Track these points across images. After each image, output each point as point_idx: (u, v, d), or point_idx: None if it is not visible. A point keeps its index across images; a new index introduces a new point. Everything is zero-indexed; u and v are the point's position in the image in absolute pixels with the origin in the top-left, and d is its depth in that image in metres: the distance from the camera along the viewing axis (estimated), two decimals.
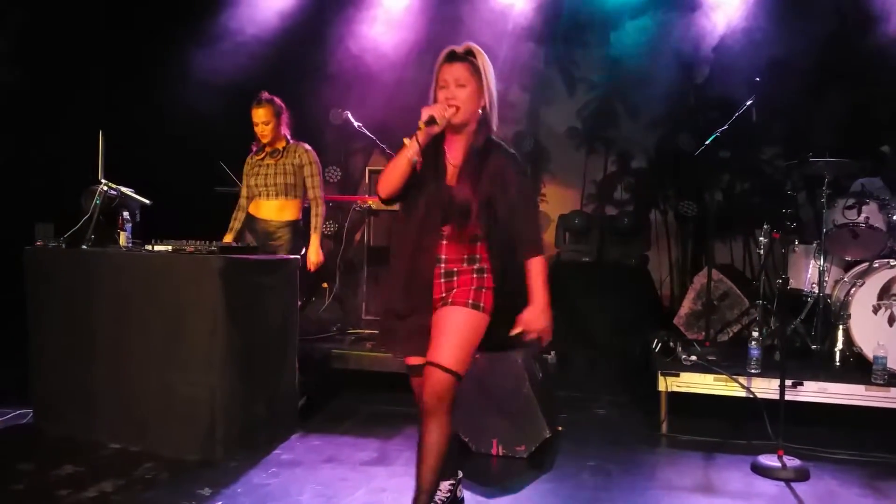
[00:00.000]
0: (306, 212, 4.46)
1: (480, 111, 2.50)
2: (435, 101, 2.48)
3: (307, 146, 4.34)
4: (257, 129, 4.22)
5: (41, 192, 5.64)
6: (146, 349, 3.41)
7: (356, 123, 4.97)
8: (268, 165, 4.28)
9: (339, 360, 4.44)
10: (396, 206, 2.58)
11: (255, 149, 4.34)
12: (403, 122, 7.03)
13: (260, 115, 4.20)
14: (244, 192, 4.40)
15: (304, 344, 4.25)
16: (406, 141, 2.41)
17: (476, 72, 2.46)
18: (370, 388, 4.58)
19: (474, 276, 2.50)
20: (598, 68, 6.76)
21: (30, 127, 6.05)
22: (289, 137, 4.33)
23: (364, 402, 4.41)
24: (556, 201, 6.82)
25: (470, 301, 2.46)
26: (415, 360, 2.53)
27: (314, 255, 4.30)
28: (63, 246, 3.73)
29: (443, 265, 2.49)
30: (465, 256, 2.50)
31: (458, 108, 2.43)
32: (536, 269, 2.49)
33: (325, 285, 5.68)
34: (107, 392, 3.50)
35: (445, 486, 2.75)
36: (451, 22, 6.77)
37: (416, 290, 2.49)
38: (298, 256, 3.94)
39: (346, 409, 4.26)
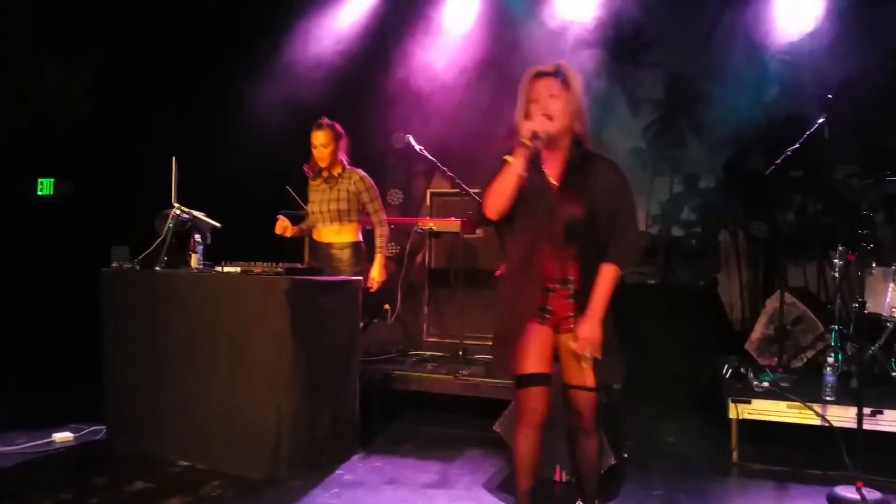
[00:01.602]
0: (367, 234, 4.53)
1: (572, 127, 2.55)
2: (527, 116, 2.51)
3: (362, 172, 4.39)
4: (315, 152, 4.30)
5: (118, 216, 5.90)
6: (214, 368, 3.51)
7: (418, 147, 5.02)
8: (322, 191, 4.35)
9: (400, 381, 4.46)
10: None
11: (310, 173, 4.39)
12: (464, 145, 7.15)
13: (319, 137, 4.28)
14: (309, 212, 4.47)
15: (365, 365, 4.30)
16: (508, 158, 2.45)
17: (566, 86, 2.52)
18: (431, 410, 4.58)
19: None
20: (662, 87, 6.66)
21: (108, 154, 6.36)
22: (345, 163, 4.40)
23: (425, 424, 4.42)
24: None
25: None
26: (526, 370, 2.59)
27: (377, 274, 4.35)
28: (137, 268, 3.89)
29: (570, 285, 2.58)
30: (560, 277, 2.58)
31: (553, 118, 2.48)
32: (605, 277, 2.54)
33: (386, 307, 5.73)
34: (176, 410, 3.61)
35: None
36: (510, 44, 6.81)
37: (529, 308, 2.56)
38: (360, 278, 3.98)
39: (407, 431, 4.28)
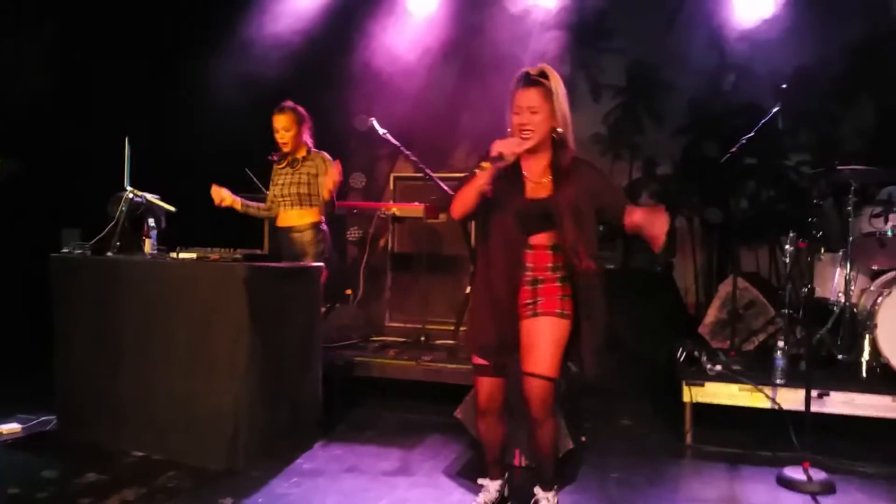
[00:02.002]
0: (331, 218, 4.49)
1: (554, 132, 2.67)
2: (510, 125, 2.66)
3: (327, 155, 4.34)
4: (277, 136, 4.24)
5: (68, 198, 5.74)
6: (170, 357, 3.46)
7: (381, 131, 4.96)
8: (285, 174, 4.30)
9: (362, 367, 4.45)
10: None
11: (275, 157, 4.36)
12: (428, 127, 7.11)
13: (281, 121, 4.22)
14: (269, 197, 4.43)
15: (327, 351, 4.28)
16: (478, 170, 2.59)
17: (549, 95, 2.63)
18: (393, 397, 4.60)
19: (558, 283, 2.71)
20: (623, 75, 6.72)
21: (57, 132, 6.17)
22: (310, 146, 4.34)
23: (387, 411, 4.43)
24: None
25: (558, 311, 2.69)
26: (484, 361, 2.76)
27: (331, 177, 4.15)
28: (88, 253, 3.80)
29: (529, 273, 2.70)
30: (549, 265, 2.71)
31: (532, 134, 2.62)
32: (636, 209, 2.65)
33: (348, 292, 5.71)
34: (130, 400, 3.54)
35: (494, 484, 2.99)
36: (475, 28, 6.79)
37: (503, 298, 2.70)
38: (321, 264, 3.95)
39: (369, 418, 4.28)
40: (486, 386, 2.79)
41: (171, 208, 3.98)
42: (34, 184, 6.56)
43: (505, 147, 2.58)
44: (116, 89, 6.00)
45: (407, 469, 3.48)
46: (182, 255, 3.59)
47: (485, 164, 2.57)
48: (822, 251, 4.58)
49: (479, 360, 2.78)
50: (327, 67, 6.75)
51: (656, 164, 6.75)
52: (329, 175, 4.14)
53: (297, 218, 4.27)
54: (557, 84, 2.66)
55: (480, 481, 3.05)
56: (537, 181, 2.71)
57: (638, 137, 6.75)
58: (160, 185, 4.21)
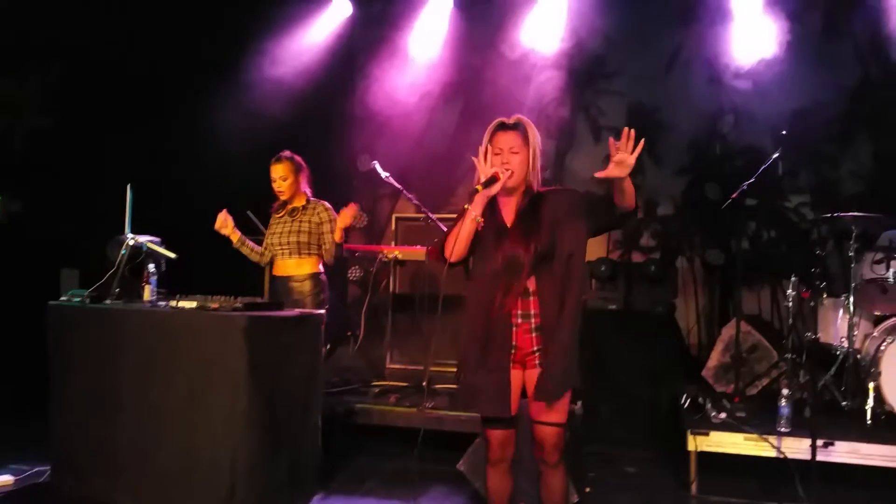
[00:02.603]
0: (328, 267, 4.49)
1: (527, 178, 2.71)
2: (488, 163, 2.67)
3: (327, 204, 4.34)
4: (274, 185, 4.24)
5: (69, 239, 5.76)
6: (168, 408, 3.42)
7: (384, 174, 5.00)
8: (284, 223, 4.29)
9: (362, 414, 4.42)
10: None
11: (275, 206, 4.36)
12: (429, 168, 7.14)
13: (278, 170, 4.22)
14: (264, 244, 4.41)
15: (327, 397, 4.25)
16: (467, 206, 2.62)
17: (526, 141, 2.68)
18: (394, 444, 4.54)
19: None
20: (623, 116, 6.78)
21: (58, 173, 6.21)
22: (310, 195, 4.35)
23: (388, 459, 4.38)
24: None
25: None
26: (494, 413, 2.71)
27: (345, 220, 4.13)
28: (87, 301, 3.78)
29: (532, 320, 2.67)
30: (520, 312, 2.67)
31: (513, 173, 2.65)
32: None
33: (348, 333, 5.69)
34: (127, 451, 3.49)
35: None
36: (476, 70, 6.88)
37: (495, 347, 2.67)
38: (322, 311, 3.94)
39: (369, 467, 4.23)
40: (498, 437, 2.77)
41: (173, 255, 3.97)
42: (33, 223, 6.59)
43: (494, 169, 2.61)
44: (121, 131, 6.06)
45: None
46: (182, 304, 3.58)
47: (478, 187, 2.59)
48: (825, 296, 4.57)
49: (485, 414, 2.76)
50: (330, 109, 6.83)
51: (657, 205, 6.76)
52: (342, 215, 4.13)
53: (295, 267, 4.27)
54: (533, 131, 2.73)
55: None
56: (513, 225, 2.72)
57: (639, 178, 6.76)
58: (160, 229, 4.21)
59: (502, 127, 2.72)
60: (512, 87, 6.77)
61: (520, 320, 2.68)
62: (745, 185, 4.54)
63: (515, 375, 2.71)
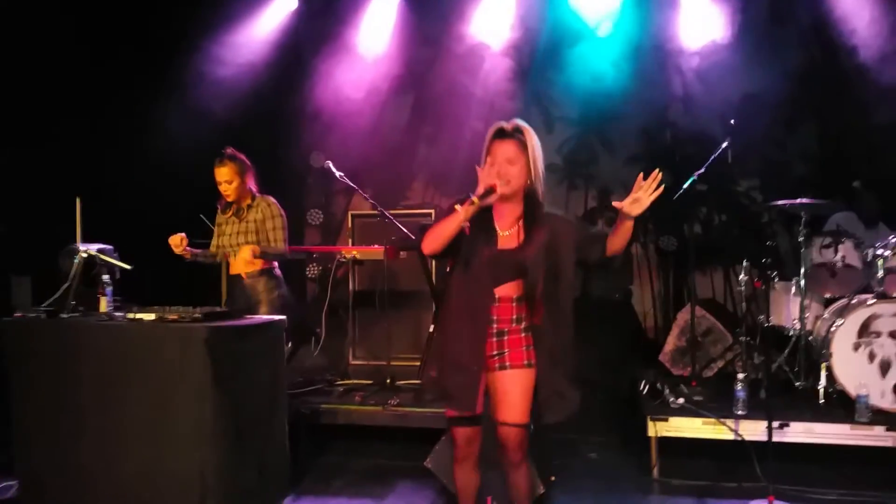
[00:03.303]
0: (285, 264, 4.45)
1: (528, 183, 2.71)
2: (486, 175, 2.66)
3: (272, 199, 4.30)
4: (221, 189, 4.18)
5: (18, 245, 5.57)
6: (133, 421, 3.36)
7: (337, 173, 4.97)
8: (232, 223, 4.26)
9: (327, 415, 4.40)
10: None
11: (220, 206, 4.30)
12: (383, 163, 7.11)
13: (223, 174, 4.14)
14: (213, 245, 4.38)
15: (292, 398, 4.24)
16: (457, 207, 2.62)
17: (524, 148, 2.68)
18: (361, 442, 4.55)
19: (522, 335, 2.76)
20: (575, 106, 6.85)
21: (5, 177, 6.01)
22: (255, 193, 4.29)
23: (355, 457, 4.39)
24: None
25: (525, 361, 2.74)
26: (459, 413, 2.79)
27: (247, 253, 4.11)
28: (43, 316, 3.68)
29: (495, 325, 2.74)
30: (514, 317, 2.74)
31: (508, 185, 2.65)
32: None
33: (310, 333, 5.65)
34: (94, 465, 3.42)
35: None
36: (426, 63, 6.86)
37: (470, 348, 2.73)
38: (284, 317, 3.91)
39: (337, 467, 4.23)
40: (463, 435, 2.83)
41: (126, 266, 3.88)
42: None
43: (492, 181, 2.60)
44: (66, 129, 5.86)
45: None
46: (140, 316, 3.51)
47: (475, 199, 2.58)
48: (776, 280, 4.71)
49: (452, 413, 2.81)
50: (278, 106, 6.74)
51: (611, 193, 6.85)
52: (276, 229, 4.17)
53: (245, 266, 4.24)
54: (532, 138, 2.72)
55: None
56: (508, 232, 2.75)
57: (592, 167, 6.87)
58: (110, 238, 4.11)
59: (500, 135, 2.71)
60: (463, 79, 6.76)
61: (513, 325, 2.75)
62: (696, 174, 4.64)
63: (486, 377, 2.78)
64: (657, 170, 2.53)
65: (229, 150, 4.19)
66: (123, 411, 3.38)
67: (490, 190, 2.59)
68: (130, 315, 3.52)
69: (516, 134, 2.70)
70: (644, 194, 2.55)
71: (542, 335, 2.74)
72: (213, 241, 4.40)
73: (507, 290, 2.73)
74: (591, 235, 2.81)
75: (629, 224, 2.62)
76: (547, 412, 2.75)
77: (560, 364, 2.77)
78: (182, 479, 3.28)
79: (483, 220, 2.71)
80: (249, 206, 4.24)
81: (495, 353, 2.76)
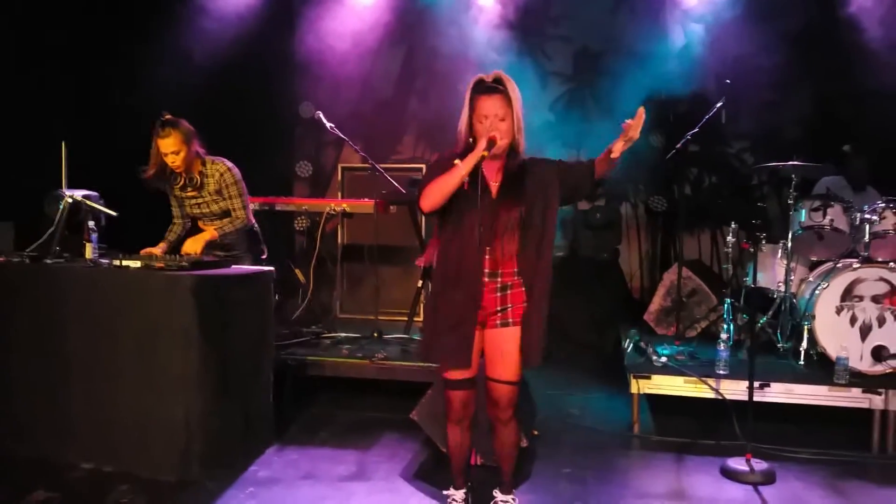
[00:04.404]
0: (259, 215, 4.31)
1: (513, 139, 2.69)
2: (471, 129, 2.68)
3: (226, 164, 3.99)
4: (167, 160, 3.82)
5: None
6: (118, 367, 3.38)
7: (328, 124, 4.90)
8: (192, 196, 4.00)
9: (314, 366, 4.42)
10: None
11: (148, 172, 3.92)
12: (373, 114, 7.02)
13: (168, 144, 3.77)
14: (176, 214, 4.14)
15: (279, 350, 4.25)
16: (457, 162, 2.62)
17: (509, 102, 2.64)
18: (347, 394, 4.59)
19: (522, 288, 2.75)
20: (569, 62, 6.76)
21: None
22: (203, 157, 3.96)
23: (340, 409, 4.43)
24: None
25: (521, 318, 2.74)
26: (457, 375, 2.78)
27: (193, 245, 3.89)
28: (27, 261, 3.65)
29: (498, 279, 2.73)
30: (515, 270, 2.74)
31: (502, 139, 2.64)
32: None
33: (301, 278, 5.62)
34: (78, 411, 3.45)
35: (460, 494, 3.03)
36: (418, 14, 6.72)
37: (463, 302, 2.71)
38: (273, 269, 3.89)
39: (322, 418, 4.26)
40: (459, 398, 2.82)
41: (112, 213, 3.83)
42: None
43: (492, 133, 2.59)
44: (49, 75, 5.74)
45: (364, 473, 3.49)
46: (126, 263, 3.48)
47: (484, 153, 2.56)
48: (764, 241, 4.73)
49: (450, 375, 2.79)
50: (268, 54, 6.60)
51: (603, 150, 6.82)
52: (234, 197, 3.96)
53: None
54: (515, 90, 2.67)
55: (446, 492, 3.05)
56: (496, 184, 2.73)
57: (584, 125, 6.80)
58: (95, 183, 4.04)
59: (483, 90, 2.65)
60: (456, 31, 6.64)
61: (486, 279, 2.72)
62: (688, 135, 4.63)
63: (476, 335, 2.76)
64: (641, 107, 2.51)
65: (168, 116, 3.81)
66: (109, 357, 3.39)
67: (492, 142, 2.58)
68: (116, 262, 3.49)
69: (500, 88, 2.65)
70: (635, 133, 2.53)
71: (529, 280, 2.74)
72: (176, 213, 4.14)
73: (505, 242, 2.70)
74: (573, 167, 2.78)
75: (616, 156, 2.60)
76: (531, 357, 2.74)
77: (541, 309, 2.75)
78: (167, 426, 3.31)
79: (475, 177, 2.66)
80: (202, 175, 3.94)
81: (498, 308, 2.74)
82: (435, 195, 2.64)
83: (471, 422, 2.90)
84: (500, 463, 3.00)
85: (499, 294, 2.74)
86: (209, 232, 3.99)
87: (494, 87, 2.65)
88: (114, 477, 3.30)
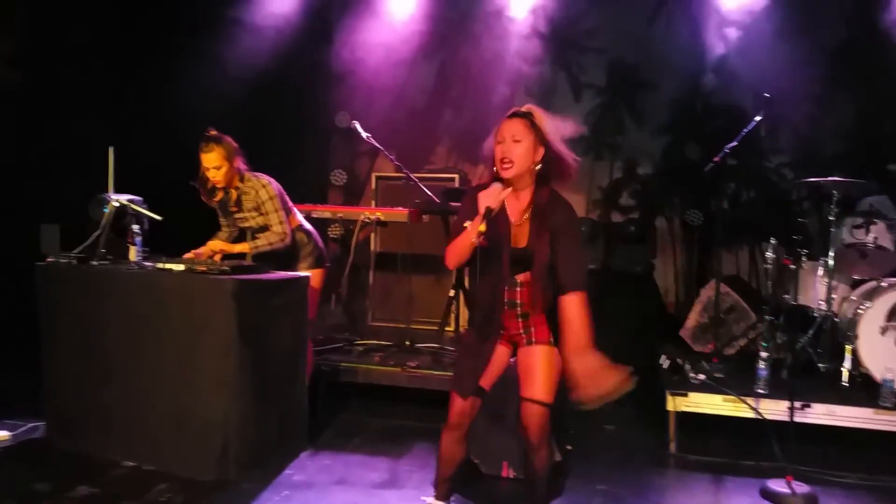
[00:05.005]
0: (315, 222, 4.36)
1: (538, 166, 2.66)
2: (492, 154, 2.68)
3: (263, 180, 3.96)
4: (209, 175, 3.86)
5: (47, 193, 5.62)
6: (159, 369, 3.43)
7: (364, 133, 4.93)
8: (234, 212, 4.02)
9: (347, 373, 4.45)
10: None
11: (204, 192, 3.99)
12: (408, 125, 7.06)
13: (211, 160, 3.82)
14: (223, 221, 4.16)
15: (312, 356, 4.26)
16: (466, 225, 2.61)
17: (532, 128, 2.63)
18: (379, 401, 4.59)
19: (545, 314, 2.72)
20: (603, 74, 6.74)
21: (33, 127, 6.02)
22: (243, 174, 3.96)
23: (372, 416, 4.43)
24: None
25: (549, 339, 2.73)
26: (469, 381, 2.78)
27: (220, 245, 3.94)
28: (74, 262, 3.73)
29: (518, 308, 2.74)
30: (533, 302, 2.72)
31: (511, 165, 2.62)
32: (578, 307, 2.61)
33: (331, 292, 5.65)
34: (121, 410, 3.51)
35: None
36: (454, 25, 6.76)
37: (488, 332, 2.76)
38: (308, 274, 3.92)
39: (356, 424, 4.27)
40: (458, 405, 2.78)
41: (157, 217, 3.90)
42: (11, 179, 6.40)
43: (490, 200, 2.58)
44: (96, 86, 5.87)
45: (396, 481, 3.49)
46: (169, 266, 3.53)
47: (481, 228, 2.55)
48: (804, 259, 4.65)
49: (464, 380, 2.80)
50: (306, 64, 6.68)
51: (637, 164, 6.76)
52: (270, 213, 3.94)
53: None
54: (542, 119, 2.66)
55: (424, 498, 3.04)
56: (519, 223, 2.72)
57: (618, 137, 6.77)
58: (139, 188, 4.11)
59: (511, 116, 2.68)
60: (491, 42, 6.67)
61: (507, 308, 2.75)
62: (727, 148, 4.57)
63: (502, 351, 2.81)
64: None
65: (213, 132, 3.86)
66: (149, 358, 3.44)
67: (489, 210, 2.56)
68: (160, 265, 3.55)
69: (524, 113, 2.67)
70: None
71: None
72: (223, 221, 4.17)
73: (525, 278, 2.72)
74: (569, 259, 2.67)
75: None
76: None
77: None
78: (205, 428, 3.34)
79: (497, 214, 2.65)
80: (240, 191, 3.94)
81: (521, 331, 2.77)
82: (455, 256, 2.67)
83: (465, 436, 2.85)
84: (528, 486, 2.94)
85: (521, 321, 2.76)
86: (244, 246, 3.95)
87: (518, 112, 2.68)
88: (153, 475, 3.34)
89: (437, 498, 2.95)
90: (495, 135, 2.69)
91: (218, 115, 5.57)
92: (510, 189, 2.65)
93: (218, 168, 3.85)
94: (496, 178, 2.68)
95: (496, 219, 2.65)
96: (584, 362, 2.56)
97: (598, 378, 2.54)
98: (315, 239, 4.24)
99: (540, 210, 2.70)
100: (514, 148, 2.62)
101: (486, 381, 2.80)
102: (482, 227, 2.55)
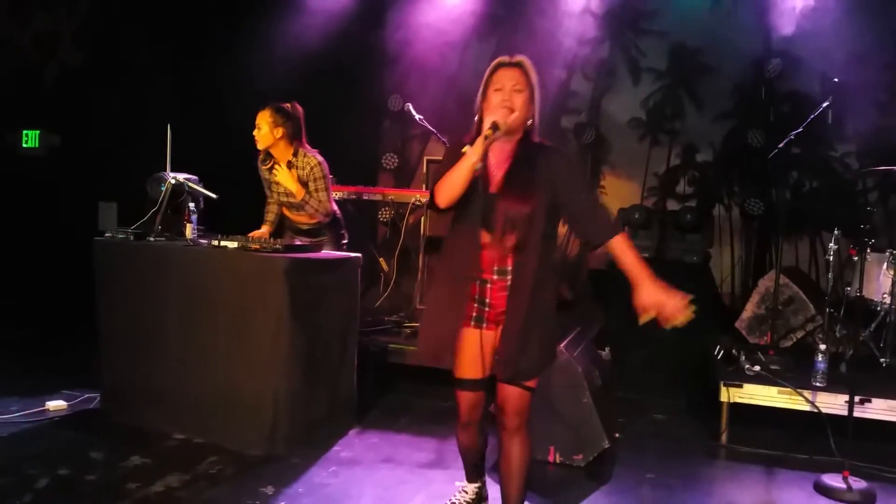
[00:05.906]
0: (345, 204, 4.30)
1: (528, 120, 2.48)
2: (487, 101, 2.45)
3: (317, 158, 4.02)
4: (254, 133, 3.98)
5: (106, 171, 5.79)
6: (212, 344, 3.49)
7: (417, 116, 4.93)
8: (279, 183, 4.06)
9: (395, 354, 4.47)
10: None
11: (260, 156, 4.09)
12: (461, 108, 7.02)
13: (259, 118, 3.95)
14: (269, 193, 4.22)
15: (361, 336, 4.29)
16: (467, 149, 2.36)
17: (528, 81, 2.47)
18: (425, 383, 4.60)
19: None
20: (664, 58, 6.59)
21: (97, 107, 6.21)
22: (297, 148, 4.02)
23: (419, 398, 4.45)
24: (616, 194, 6.70)
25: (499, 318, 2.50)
26: (464, 374, 2.57)
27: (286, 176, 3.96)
28: (131, 238, 3.83)
29: (508, 277, 2.47)
30: (496, 268, 2.48)
31: (513, 112, 2.41)
32: (623, 247, 2.43)
33: (384, 267, 5.69)
34: (173, 383, 3.59)
35: (472, 487, 2.92)
36: (510, 7, 6.70)
37: (458, 299, 2.50)
38: (360, 255, 3.94)
39: (403, 405, 4.30)
40: (466, 400, 2.62)
41: (213, 195, 3.98)
42: (73, 157, 6.63)
43: (498, 115, 2.37)
44: (155, 66, 6.01)
45: (442, 461, 3.50)
46: (224, 243, 3.60)
47: (487, 132, 2.32)
48: (869, 251, 4.47)
49: (458, 374, 2.58)
50: (361, 46, 6.71)
51: (696, 151, 6.63)
52: (318, 190, 3.98)
53: (308, 218, 4.13)
54: (534, 74, 2.49)
55: (458, 483, 3.01)
56: (502, 173, 2.48)
57: (677, 123, 6.63)
58: (194, 167, 4.19)
59: (503, 65, 2.49)
60: (548, 25, 6.58)
61: (495, 276, 2.49)
62: (792, 134, 4.42)
63: (488, 335, 2.52)
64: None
65: (281, 103, 3.98)
66: (204, 334, 3.51)
67: (496, 124, 2.35)
68: (215, 242, 3.61)
69: (521, 65, 2.47)
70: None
71: (520, 288, 2.47)
72: (269, 193, 4.22)
73: (505, 238, 2.44)
74: (578, 191, 2.49)
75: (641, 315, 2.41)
76: (502, 366, 2.48)
77: (535, 327, 2.47)
78: (256, 403, 3.40)
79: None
80: (291, 164, 4.01)
81: (501, 309, 2.50)
82: (449, 189, 2.40)
83: (480, 425, 2.72)
84: (502, 483, 2.60)
85: (508, 293, 2.48)
86: (301, 190, 3.99)
87: (513, 61, 2.48)
88: (204, 448, 3.42)
89: (469, 481, 2.93)
90: (489, 83, 2.47)
91: (272, 96, 5.69)
92: (514, 116, 2.40)
93: (259, 129, 3.96)
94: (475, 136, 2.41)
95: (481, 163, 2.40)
96: (651, 292, 2.40)
97: (665, 305, 2.40)
98: (339, 221, 4.30)
99: (522, 160, 2.47)
100: (517, 97, 2.43)
101: (485, 370, 2.55)
102: (489, 132, 2.32)
